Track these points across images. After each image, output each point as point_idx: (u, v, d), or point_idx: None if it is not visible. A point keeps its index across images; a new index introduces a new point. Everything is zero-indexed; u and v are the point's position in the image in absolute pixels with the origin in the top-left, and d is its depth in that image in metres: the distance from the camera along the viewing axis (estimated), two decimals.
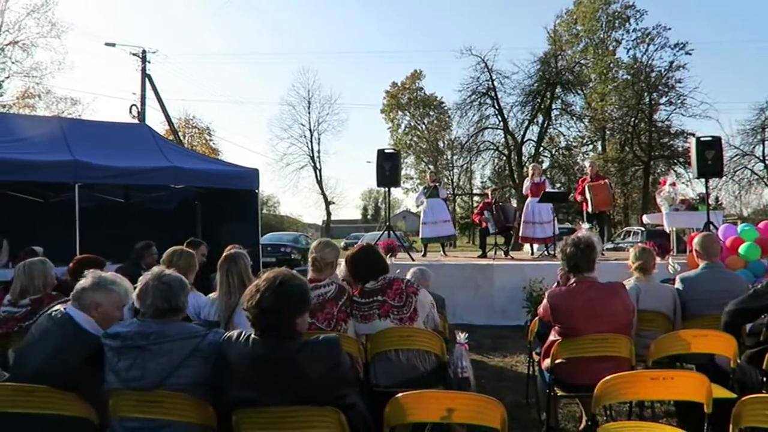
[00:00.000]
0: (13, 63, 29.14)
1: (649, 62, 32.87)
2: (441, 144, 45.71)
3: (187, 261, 4.11)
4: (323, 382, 2.38)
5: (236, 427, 2.39)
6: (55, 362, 2.59)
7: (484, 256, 10.56)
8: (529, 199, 10.49)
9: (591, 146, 36.60)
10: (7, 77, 29.35)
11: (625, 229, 22.94)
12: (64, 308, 2.81)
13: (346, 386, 2.63)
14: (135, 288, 2.71)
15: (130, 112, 23.66)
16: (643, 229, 17.51)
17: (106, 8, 75.40)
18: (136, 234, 6.95)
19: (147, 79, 24.42)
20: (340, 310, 3.53)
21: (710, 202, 10.85)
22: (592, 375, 2.99)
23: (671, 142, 32.49)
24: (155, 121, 33.81)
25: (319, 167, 46.22)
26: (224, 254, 3.98)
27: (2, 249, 8.71)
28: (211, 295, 3.90)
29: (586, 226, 9.89)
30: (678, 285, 4.30)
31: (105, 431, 2.52)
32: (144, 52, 24.62)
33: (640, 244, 4.51)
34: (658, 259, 4.92)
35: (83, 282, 2.86)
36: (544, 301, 3.69)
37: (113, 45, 25.22)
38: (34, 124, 9.70)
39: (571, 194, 11.68)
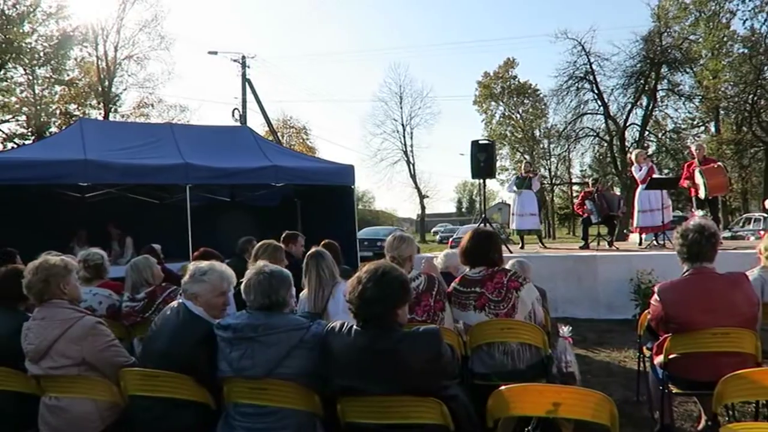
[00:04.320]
0: (129, 76, 31.74)
1: None
2: (537, 133, 44.37)
3: (272, 254, 4.19)
4: (424, 372, 2.39)
5: (341, 415, 2.46)
6: (173, 344, 2.79)
7: (586, 247, 10.12)
8: (640, 186, 9.92)
9: (702, 128, 33.99)
10: (125, 89, 32.03)
11: (744, 215, 21.12)
12: (181, 300, 3.02)
13: (447, 377, 2.63)
14: (241, 282, 2.84)
15: (233, 115, 24.97)
16: (765, 215, 16.06)
17: (208, 18, 79.99)
18: (242, 231, 7.30)
19: (247, 84, 25.63)
20: (435, 300, 3.53)
21: None
22: (711, 371, 2.79)
23: None
24: (256, 123, 35.48)
25: (412, 161, 46.45)
26: (309, 253, 4.05)
27: (126, 246, 9.53)
28: (303, 293, 3.94)
29: (699, 213, 9.20)
30: None
31: (221, 415, 2.68)
32: (243, 58, 25.89)
33: None
34: None
35: (185, 276, 3.05)
36: (653, 301, 3.40)
37: (215, 53, 26.82)
38: (149, 131, 10.48)
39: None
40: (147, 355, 2.97)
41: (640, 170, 9.91)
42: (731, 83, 30.72)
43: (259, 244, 4.33)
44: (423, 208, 49.00)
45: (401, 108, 46.11)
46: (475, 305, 3.46)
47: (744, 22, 30.65)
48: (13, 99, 28.08)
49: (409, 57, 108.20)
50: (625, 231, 12.94)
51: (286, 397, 2.53)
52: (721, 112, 32.24)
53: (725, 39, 31.20)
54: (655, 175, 9.69)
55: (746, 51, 30.30)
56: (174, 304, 3.03)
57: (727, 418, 3.80)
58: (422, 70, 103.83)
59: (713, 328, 3.10)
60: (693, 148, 10.48)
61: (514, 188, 10.86)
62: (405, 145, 46.21)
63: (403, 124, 46.10)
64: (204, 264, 3.09)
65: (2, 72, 26.54)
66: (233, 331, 2.65)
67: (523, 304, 3.45)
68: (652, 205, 9.65)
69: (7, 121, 28.33)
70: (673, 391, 3.35)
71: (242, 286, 2.78)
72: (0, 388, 3.05)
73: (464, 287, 3.55)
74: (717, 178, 9.28)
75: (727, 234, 15.56)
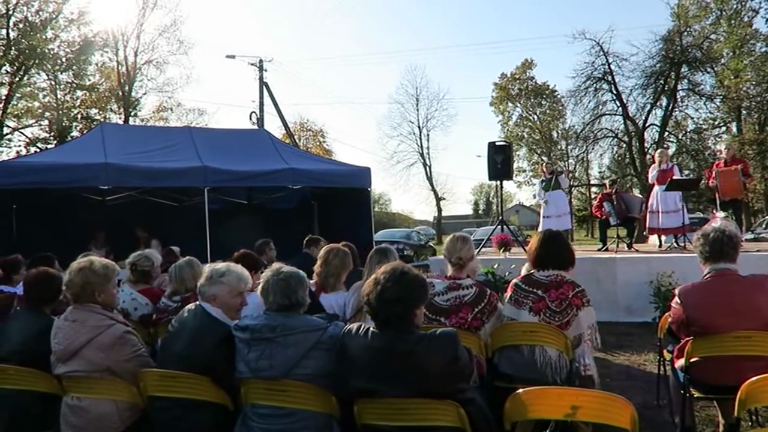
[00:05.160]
0: (148, 80, 32.08)
1: None
2: (555, 134, 44.02)
3: (342, 260, 4.12)
4: (441, 375, 2.39)
5: (358, 416, 2.46)
6: (192, 347, 2.82)
7: (605, 249, 10.01)
8: (655, 187, 9.76)
9: (724, 128, 33.42)
10: (145, 94, 32.37)
11: (767, 217, 20.75)
12: (198, 302, 3.04)
13: (464, 380, 2.62)
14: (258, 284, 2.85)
15: (250, 118, 25.16)
16: None
17: (225, 23, 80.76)
18: (259, 233, 7.36)
19: (264, 87, 25.78)
20: (474, 317, 3.47)
21: None
22: (734, 376, 2.74)
23: None
24: (273, 126, 35.76)
25: (428, 164, 46.34)
26: (376, 247, 4.01)
27: (152, 248, 9.63)
28: (356, 283, 3.90)
29: (721, 214, 9.03)
30: None
31: (239, 416, 2.70)
32: (261, 61, 26.03)
33: None
34: None
35: (201, 278, 3.06)
36: (673, 304, 3.35)
37: (233, 57, 26.87)
38: (168, 135, 10.60)
39: (703, 180, 10.72)
40: (165, 356, 3.00)
41: (655, 172, 9.77)
42: (753, 83, 30.20)
43: (329, 248, 4.14)
44: (440, 210, 48.89)
45: (418, 110, 46.07)
46: (532, 307, 3.40)
47: (767, 21, 30.19)
48: (36, 104, 28.56)
49: (425, 59, 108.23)
50: (644, 233, 12.73)
51: (303, 398, 2.54)
52: (743, 112, 31.70)
53: (747, 37, 30.65)
54: (675, 176, 9.53)
55: None
56: (191, 306, 3.06)
57: (750, 423, 3.73)
58: (439, 72, 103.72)
59: (736, 331, 3.05)
60: (722, 147, 10.30)
61: (543, 194, 10.72)
62: (421, 147, 46.17)
63: (419, 126, 46.07)
64: (221, 265, 3.10)
65: (26, 77, 27.00)
66: (251, 332, 2.67)
67: (578, 324, 3.38)
68: (669, 207, 9.48)
69: (30, 125, 28.84)
70: (695, 396, 3.30)
71: (259, 288, 2.80)
72: (24, 388, 3.11)
73: (527, 286, 3.47)
74: (729, 181, 9.11)
75: (749, 236, 15.30)
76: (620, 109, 32.90)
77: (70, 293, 3.09)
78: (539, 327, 3.34)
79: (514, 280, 3.60)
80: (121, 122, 28.40)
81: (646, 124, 32.81)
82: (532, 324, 3.36)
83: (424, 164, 46.19)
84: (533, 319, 3.38)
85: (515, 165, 33.26)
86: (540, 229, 10.66)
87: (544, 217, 10.73)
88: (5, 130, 27.54)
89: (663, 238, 10.05)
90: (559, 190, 10.65)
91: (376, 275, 2.54)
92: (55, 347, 3.00)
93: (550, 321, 3.35)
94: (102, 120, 27.75)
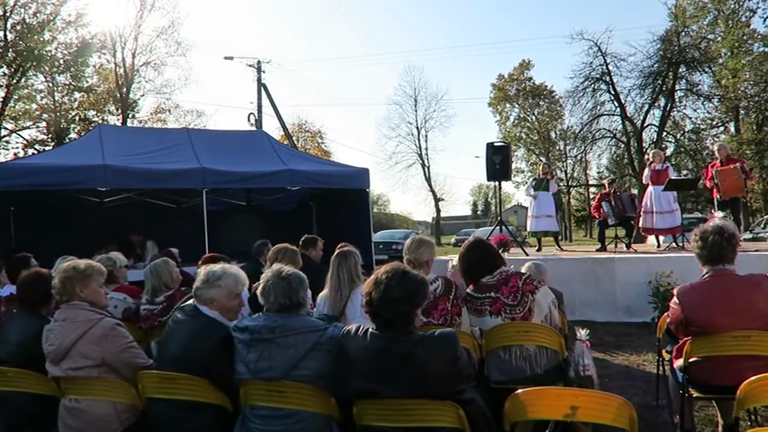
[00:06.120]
0: (146, 82, 32.05)
1: None
2: (553, 134, 44.09)
3: (291, 258, 4.19)
4: (441, 376, 2.39)
5: (357, 418, 2.46)
6: (190, 348, 2.81)
7: (603, 249, 10.02)
8: (650, 187, 9.78)
9: (722, 128, 33.45)
10: (142, 95, 32.34)
11: (766, 217, 20.77)
12: (193, 303, 3.03)
13: (464, 381, 2.62)
14: (257, 285, 2.84)
15: (249, 120, 25.09)
16: None
17: (223, 24, 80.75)
18: (258, 235, 7.34)
19: (262, 88, 25.75)
20: (453, 304, 3.52)
21: None
22: (733, 375, 2.74)
23: None
24: (271, 127, 35.76)
25: (427, 164, 46.39)
26: (336, 252, 4.04)
27: (147, 249, 9.62)
28: (322, 293, 3.96)
29: (719, 214, 9.03)
30: None
31: (238, 418, 2.69)
32: (259, 63, 25.97)
33: None
34: None
35: (197, 280, 3.05)
36: (672, 304, 3.34)
37: (231, 58, 26.76)
38: (166, 137, 10.59)
39: (701, 181, 10.73)
40: (162, 358, 2.99)
41: (647, 171, 9.81)
42: (751, 82, 30.21)
43: (276, 248, 4.30)
44: (438, 211, 48.92)
45: (416, 111, 46.13)
46: (491, 310, 3.43)
47: (765, 21, 30.10)
48: (34, 106, 28.55)
49: (424, 60, 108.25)
50: (642, 232, 12.76)
51: (302, 399, 2.54)
52: (741, 111, 31.74)
53: (745, 38, 30.70)
54: (671, 177, 9.53)
55: (766, 50, 29.82)
56: (187, 307, 3.05)
57: (749, 423, 3.73)
58: (437, 72, 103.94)
59: (734, 331, 3.04)
60: (716, 148, 10.33)
61: (532, 191, 10.80)
62: (420, 148, 46.22)
63: (417, 127, 46.12)
64: (217, 267, 3.07)
65: (23, 80, 26.97)
66: (250, 333, 2.66)
67: (539, 307, 3.43)
68: (663, 207, 9.48)
69: (28, 127, 28.83)
70: (694, 396, 3.30)
71: (259, 289, 2.79)
72: (22, 390, 3.10)
73: (479, 293, 3.53)
74: (729, 180, 9.12)
75: (748, 235, 15.33)
76: (618, 109, 32.95)
77: (55, 291, 3.11)
78: (532, 327, 3.36)
79: (467, 291, 3.63)
80: (119, 124, 28.34)
81: (645, 124, 32.86)
82: (528, 324, 3.36)
83: (423, 165, 46.27)
84: (496, 321, 3.41)
85: (513, 165, 33.40)
86: (528, 228, 10.78)
87: (531, 216, 10.80)
88: (3, 133, 27.52)
89: (661, 238, 10.06)
90: (546, 192, 10.67)
91: (377, 275, 2.54)
92: (48, 349, 2.98)
93: (513, 316, 3.38)
94: (100, 122, 27.70)
